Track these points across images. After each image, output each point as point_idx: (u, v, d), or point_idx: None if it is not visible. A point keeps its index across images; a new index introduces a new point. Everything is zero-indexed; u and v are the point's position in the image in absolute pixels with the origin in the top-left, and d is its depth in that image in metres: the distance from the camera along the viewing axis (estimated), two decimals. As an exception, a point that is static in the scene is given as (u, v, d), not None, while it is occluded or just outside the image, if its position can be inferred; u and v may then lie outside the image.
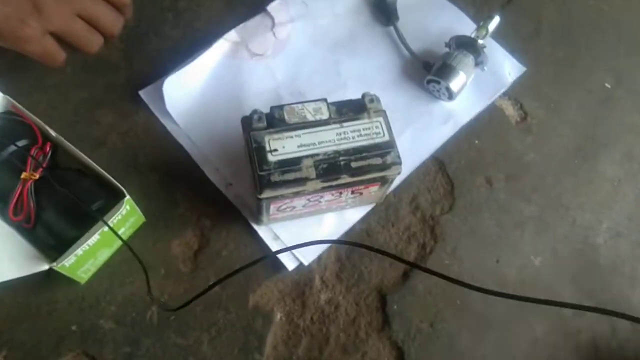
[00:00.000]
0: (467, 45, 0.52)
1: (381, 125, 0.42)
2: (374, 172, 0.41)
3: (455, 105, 0.53)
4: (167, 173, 0.49)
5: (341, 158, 0.40)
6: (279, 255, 0.47)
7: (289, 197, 0.41)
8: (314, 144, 0.41)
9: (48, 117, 0.48)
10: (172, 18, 0.57)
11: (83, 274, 0.43)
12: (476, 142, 0.53)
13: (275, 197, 0.41)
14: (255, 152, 0.40)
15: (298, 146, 0.40)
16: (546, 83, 0.57)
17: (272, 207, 0.43)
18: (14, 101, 0.43)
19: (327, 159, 0.40)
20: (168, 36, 0.56)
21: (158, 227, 0.47)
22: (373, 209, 0.49)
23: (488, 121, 0.54)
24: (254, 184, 0.40)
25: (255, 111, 0.41)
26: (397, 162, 0.41)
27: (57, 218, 0.41)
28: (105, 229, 0.41)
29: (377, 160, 0.41)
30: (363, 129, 0.42)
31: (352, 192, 0.44)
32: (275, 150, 0.40)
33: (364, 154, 0.41)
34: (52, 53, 0.45)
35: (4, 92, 0.44)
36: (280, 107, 0.42)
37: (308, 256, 0.47)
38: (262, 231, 0.48)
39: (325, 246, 0.47)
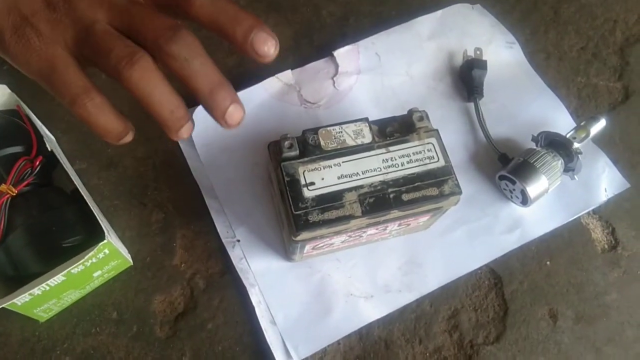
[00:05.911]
0: (558, 145, 0.43)
1: (434, 148, 0.36)
2: (429, 204, 0.35)
3: (529, 212, 0.44)
4: (173, 214, 0.43)
5: (390, 190, 0.35)
6: (272, 346, 0.39)
7: (328, 236, 0.36)
8: (357, 174, 0.35)
9: (63, 125, 0.44)
10: (229, 45, 0.51)
11: (42, 313, 0.38)
12: (547, 263, 0.44)
13: (313, 238, 0.35)
14: (289, 187, 0.34)
15: (338, 177, 0.35)
16: (651, 209, 0.46)
17: (308, 247, 0.37)
18: (20, 101, 0.38)
19: (373, 192, 0.35)
20: (220, 63, 0.50)
21: (145, 275, 0.42)
22: (400, 314, 0.41)
23: (567, 240, 0.44)
24: (288, 224, 0.34)
25: (285, 137, 0.35)
26: (457, 192, 0.35)
27: (23, 245, 0.35)
28: (74, 270, 0.34)
29: (433, 191, 0.35)
30: (413, 154, 0.36)
31: (399, 225, 0.38)
32: (312, 183, 0.34)
33: (416, 184, 0.35)
34: (74, 83, 0.24)
35: (15, 90, 0.39)
36: (315, 131, 0.36)
37: (302, 350, 0.39)
38: (260, 309, 0.40)
39: (328, 342, 0.40)
